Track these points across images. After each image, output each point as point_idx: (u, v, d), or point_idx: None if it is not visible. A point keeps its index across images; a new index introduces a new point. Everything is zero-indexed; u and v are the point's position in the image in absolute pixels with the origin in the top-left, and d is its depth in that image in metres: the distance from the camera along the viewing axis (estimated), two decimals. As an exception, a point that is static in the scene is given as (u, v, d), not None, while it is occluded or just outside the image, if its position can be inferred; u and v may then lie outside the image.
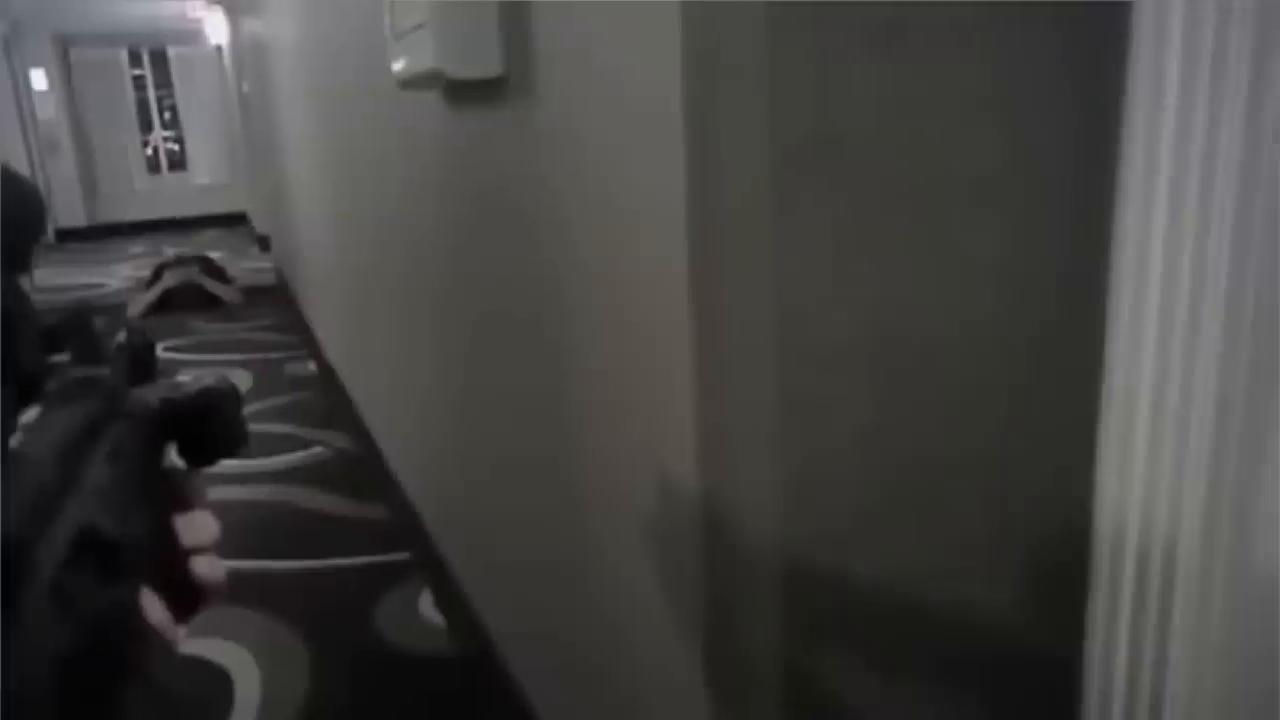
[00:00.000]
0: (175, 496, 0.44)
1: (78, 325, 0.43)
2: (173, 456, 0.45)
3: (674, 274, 0.71)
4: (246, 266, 6.54)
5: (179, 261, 5.62)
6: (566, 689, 1.22)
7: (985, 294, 0.65)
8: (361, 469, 2.67)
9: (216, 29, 7.96)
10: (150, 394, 0.44)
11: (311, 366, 3.87)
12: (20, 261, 0.41)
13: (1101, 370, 0.66)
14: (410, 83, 1.22)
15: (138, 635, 0.38)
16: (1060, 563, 0.70)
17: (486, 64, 1.03)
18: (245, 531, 2.29)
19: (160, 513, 0.43)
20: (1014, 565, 0.70)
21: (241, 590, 1.99)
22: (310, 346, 3.98)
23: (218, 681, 1.69)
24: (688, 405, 0.73)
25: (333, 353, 3.37)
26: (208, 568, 0.44)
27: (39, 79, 9.50)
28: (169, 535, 0.43)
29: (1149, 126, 0.60)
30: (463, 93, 1.18)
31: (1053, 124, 0.63)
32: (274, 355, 4.15)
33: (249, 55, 5.63)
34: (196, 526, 0.44)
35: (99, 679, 0.35)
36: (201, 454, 0.46)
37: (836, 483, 0.66)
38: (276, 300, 5.27)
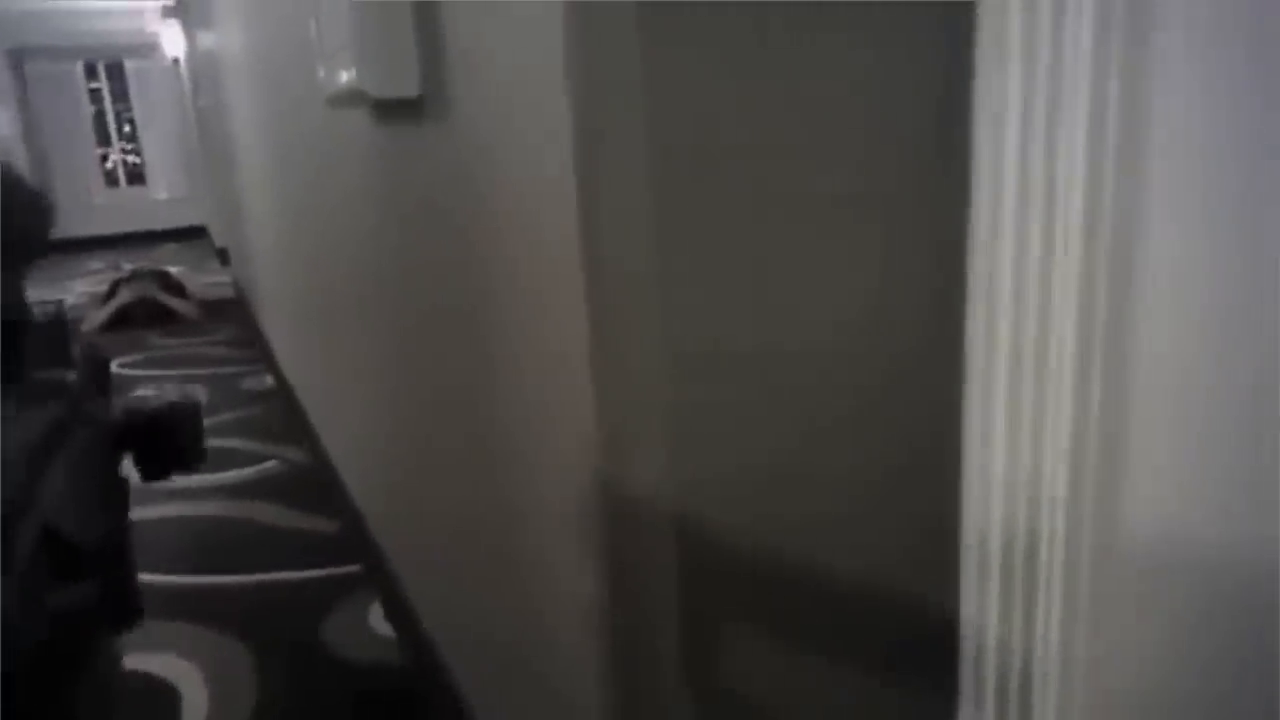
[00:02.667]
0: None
1: (52, 326, 0.44)
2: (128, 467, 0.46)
3: (572, 284, 0.74)
4: (205, 280, 6.49)
5: (135, 276, 5.56)
6: (499, 687, 1.24)
7: (857, 295, 0.68)
8: (314, 482, 2.67)
9: (173, 42, 7.91)
10: (116, 403, 0.45)
11: (268, 380, 3.85)
12: (23, 266, 0.41)
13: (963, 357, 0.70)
14: (337, 101, 1.24)
15: (92, 636, 0.39)
16: (940, 542, 0.74)
17: (405, 84, 1.06)
18: (195, 548, 2.29)
19: (115, 519, 0.44)
20: (894, 543, 0.74)
21: (190, 606, 1.99)
22: (268, 360, 3.97)
23: (164, 696, 1.69)
24: (589, 406, 0.76)
25: (287, 365, 3.37)
26: None
27: (-8, 93, 9.39)
28: (122, 540, 0.44)
29: (994, 125, 0.64)
30: (386, 111, 1.21)
31: (917, 129, 0.66)
32: (230, 370, 4.13)
33: (203, 69, 5.60)
34: None
35: (53, 675, 0.36)
36: (157, 467, 0.47)
37: (726, 478, 0.70)
38: (235, 314, 5.25)
